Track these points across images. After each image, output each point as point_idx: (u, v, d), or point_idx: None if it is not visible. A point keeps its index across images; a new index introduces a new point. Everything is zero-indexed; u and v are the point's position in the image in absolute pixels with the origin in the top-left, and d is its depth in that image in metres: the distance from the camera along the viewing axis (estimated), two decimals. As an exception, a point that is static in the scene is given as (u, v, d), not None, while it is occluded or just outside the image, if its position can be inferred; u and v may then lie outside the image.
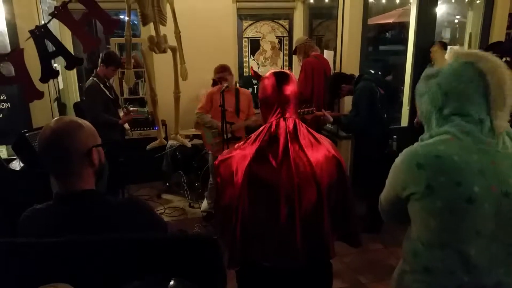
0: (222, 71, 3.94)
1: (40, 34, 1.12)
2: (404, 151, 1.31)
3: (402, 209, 1.34)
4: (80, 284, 0.89)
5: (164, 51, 3.13)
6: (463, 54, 1.27)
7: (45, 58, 1.20)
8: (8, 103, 4.20)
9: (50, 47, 1.31)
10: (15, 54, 1.24)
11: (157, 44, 2.97)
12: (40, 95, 1.23)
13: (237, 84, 5.62)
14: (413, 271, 1.34)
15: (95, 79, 3.90)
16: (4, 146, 4.25)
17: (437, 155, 1.21)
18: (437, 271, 1.27)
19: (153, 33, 3.03)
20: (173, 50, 3.25)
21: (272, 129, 1.59)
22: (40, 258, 1.01)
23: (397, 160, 1.33)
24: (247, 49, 5.77)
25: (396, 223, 1.49)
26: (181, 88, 3.94)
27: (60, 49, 1.22)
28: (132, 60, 5.05)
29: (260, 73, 1.75)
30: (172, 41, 3.25)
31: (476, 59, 1.24)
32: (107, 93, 3.95)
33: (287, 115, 1.61)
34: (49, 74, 1.21)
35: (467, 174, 1.17)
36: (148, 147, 3.66)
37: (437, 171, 1.20)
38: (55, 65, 4.27)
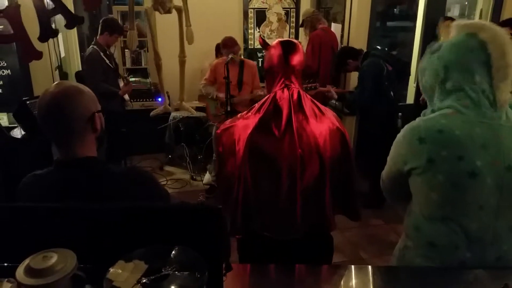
0: (234, 45, 3.83)
1: (38, -10, 1.08)
2: (406, 126, 1.30)
3: (404, 185, 1.33)
4: (81, 251, 0.87)
5: (169, 11, 2.98)
6: (465, 25, 1.24)
7: (44, 16, 1.15)
8: (9, 70, 4.14)
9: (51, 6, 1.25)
10: (11, 10, 1.19)
11: (161, 3, 2.83)
12: (38, 55, 1.18)
13: (242, 56, 5.55)
14: (416, 246, 1.33)
15: (95, 47, 3.81)
16: (5, 114, 4.22)
17: (439, 130, 1.19)
18: (441, 246, 1.26)
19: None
20: (179, 10, 3.10)
21: (276, 99, 1.55)
22: (40, 224, 0.99)
23: (399, 135, 1.32)
24: (252, 21, 5.63)
25: (397, 202, 1.48)
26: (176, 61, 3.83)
27: (59, 7, 1.16)
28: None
29: (268, 42, 1.70)
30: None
31: (477, 29, 1.20)
32: (107, 61, 3.86)
33: (292, 85, 1.57)
34: (48, 32, 1.16)
35: (469, 148, 1.16)
36: (152, 113, 3.58)
37: (438, 145, 1.19)
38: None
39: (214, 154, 4.14)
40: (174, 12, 3.46)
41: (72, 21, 1.18)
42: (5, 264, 0.88)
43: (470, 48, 1.20)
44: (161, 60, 3.17)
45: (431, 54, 1.31)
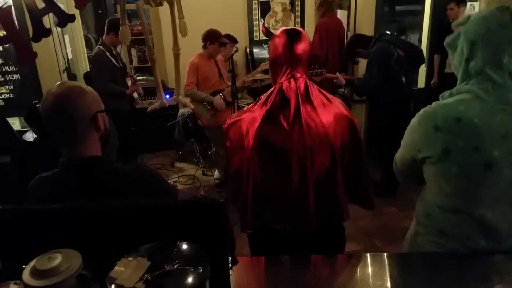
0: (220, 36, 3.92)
1: (28, -12, 1.08)
2: (422, 110, 1.22)
3: (417, 170, 1.29)
4: (87, 250, 0.87)
5: (161, 4, 2.97)
6: None
7: (35, 16, 1.15)
8: (18, 75, 4.18)
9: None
10: (3, 12, 1.19)
11: (152, -4, 2.81)
12: (32, 56, 1.19)
13: (246, 48, 5.52)
14: (427, 232, 1.31)
15: (101, 47, 3.84)
16: (17, 118, 4.28)
17: (457, 117, 1.11)
18: (452, 235, 1.23)
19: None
20: (170, 2, 3.08)
21: (283, 90, 1.52)
22: (46, 225, 1.00)
23: (414, 120, 1.25)
24: (257, 12, 5.58)
25: (411, 184, 1.45)
26: (188, 54, 3.82)
27: (50, 5, 1.17)
28: (140, 27, 4.96)
29: (271, 31, 1.67)
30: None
31: (510, 1, 1.11)
32: (114, 61, 3.89)
33: (298, 75, 1.54)
34: (40, 32, 1.17)
35: (486, 139, 1.09)
36: (149, 109, 3.57)
37: (455, 135, 1.12)
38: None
39: (212, 150, 4.20)
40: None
41: (63, 19, 1.18)
42: (12, 267, 0.89)
43: (502, 23, 1.08)
44: (155, 55, 3.13)
45: (457, 28, 1.18)
